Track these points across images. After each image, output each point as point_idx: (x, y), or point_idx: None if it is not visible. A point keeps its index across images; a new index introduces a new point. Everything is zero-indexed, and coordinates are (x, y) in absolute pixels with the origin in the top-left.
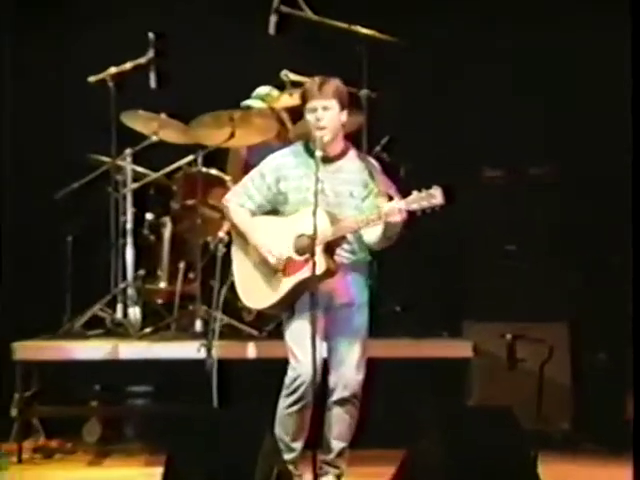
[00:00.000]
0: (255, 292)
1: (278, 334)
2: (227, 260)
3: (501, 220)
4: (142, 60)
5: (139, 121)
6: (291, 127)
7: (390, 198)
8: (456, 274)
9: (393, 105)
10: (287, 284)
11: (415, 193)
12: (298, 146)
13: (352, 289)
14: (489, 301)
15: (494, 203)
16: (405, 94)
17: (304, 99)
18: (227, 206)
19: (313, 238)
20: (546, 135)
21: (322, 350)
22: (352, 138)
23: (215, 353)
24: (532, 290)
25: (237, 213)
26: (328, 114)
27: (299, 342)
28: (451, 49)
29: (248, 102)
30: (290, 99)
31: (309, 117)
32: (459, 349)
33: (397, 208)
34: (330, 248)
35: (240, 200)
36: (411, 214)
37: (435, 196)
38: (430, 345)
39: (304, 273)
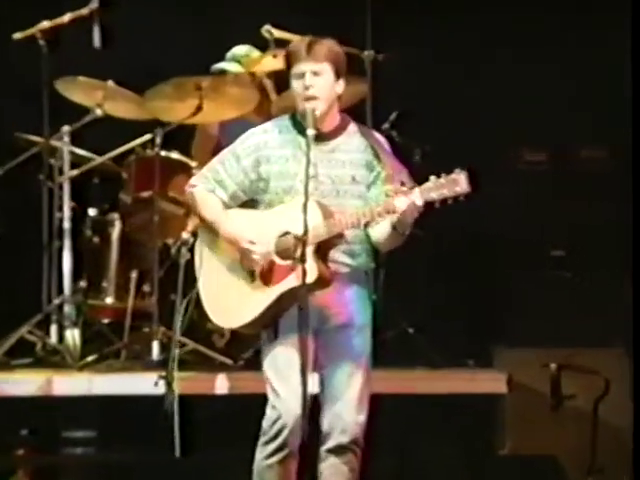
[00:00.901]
0: (227, 307)
1: (257, 364)
2: (192, 268)
3: (544, 217)
4: (83, 11)
5: (79, 90)
6: (275, 98)
7: (401, 185)
8: (485, 286)
9: (405, 71)
10: (268, 296)
11: (433, 179)
12: (284, 120)
13: (351, 305)
14: (527, 321)
15: (535, 195)
16: (420, 56)
17: (289, 62)
18: (191, 192)
19: (302, 237)
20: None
21: (312, 384)
22: (352, 113)
23: (177, 387)
24: (583, 307)
25: (204, 200)
26: (319, 80)
27: (282, 373)
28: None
29: (221, 65)
30: (274, 62)
31: (295, 85)
32: (489, 382)
33: (410, 197)
34: (323, 250)
35: (208, 185)
36: (428, 205)
37: (459, 182)
38: (452, 377)
39: (290, 282)
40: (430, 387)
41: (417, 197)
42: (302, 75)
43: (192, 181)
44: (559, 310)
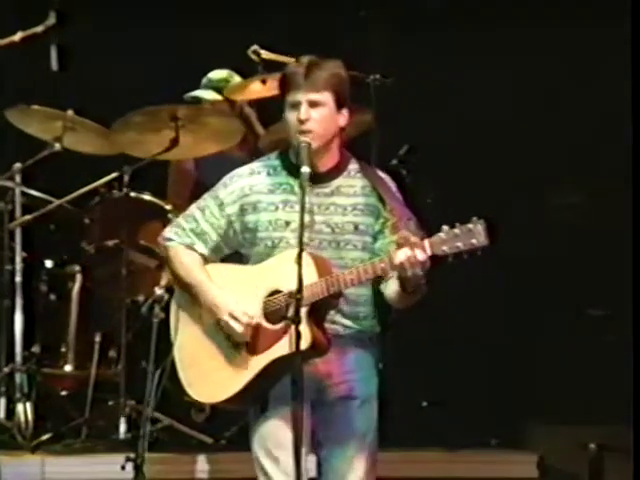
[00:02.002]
0: (206, 378)
1: (242, 443)
2: (167, 330)
3: (579, 270)
4: (38, 29)
5: (33, 120)
6: (263, 131)
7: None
8: (512, 352)
9: (417, 98)
10: (254, 366)
11: (446, 229)
12: (273, 159)
13: (354, 373)
14: (562, 393)
15: (569, 244)
16: (435, 81)
17: (283, 89)
18: (165, 246)
19: (296, 296)
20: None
21: (309, 466)
22: (355, 147)
23: (148, 471)
24: (628, 375)
25: (181, 258)
26: (318, 112)
27: (273, 453)
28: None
29: (195, 93)
30: (262, 88)
31: (289, 116)
32: (517, 466)
33: (418, 251)
34: (319, 312)
35: (185, 239)
36: (439, 259)
37: (475, 234)
38: (472, 459)
39: (279, 350)
40: (447, 471)
41: (426, 250)
42: (297, 105)
43: (166, 233)
44: (599, 380)
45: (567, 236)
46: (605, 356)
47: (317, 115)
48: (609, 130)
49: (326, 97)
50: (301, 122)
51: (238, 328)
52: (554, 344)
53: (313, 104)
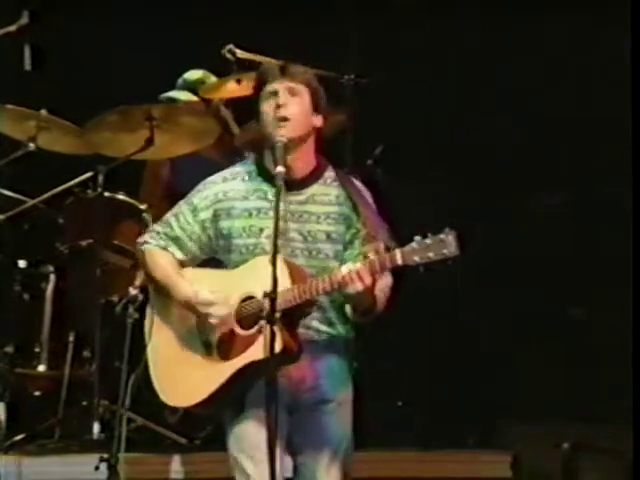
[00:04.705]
0: (179, 383)
1: (216, 443)
2: (141, 330)
3: (558, 269)
4: (11, 28)
5: (7, 120)
6: (238, 130)
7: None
8: (486, 351)
9: (392, 98)
10: (225, 371)
11: (418, 239)
12: (248, 165)
13: (328, 377)
14: (536, 392)
15: (550, 243)
16: (411, 81)
17: (260, 84)
18: (141, 250)
19: (270, 295)
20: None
21: (285, 468)
22: (329, 148)
23: (122, 471)
24: (606, 375)
25: (155, 258)
26: (295, 102)
27: (249, 452)
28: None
29: (170, 94)
30: (238, 88)
31: (265, 107)
32: (491, 465)
33: (381, 262)
34: (291, 319)
35: (160, 242)
36: (411, 268)
37: (447, 244)
38: (446, 459)
39: (251, 355)
40: (421, 471)
41: (396, 261)
42: (275, 93)
43: (141, 238)
44: (573, 379)
45: (549, 236)
46: (579, 356)
47: (295, 104)
48: (609, 130)
49: (303, 90)
50: (278, 107)
51: (213, 316)
52: (528, 344)
53: (291, 92)
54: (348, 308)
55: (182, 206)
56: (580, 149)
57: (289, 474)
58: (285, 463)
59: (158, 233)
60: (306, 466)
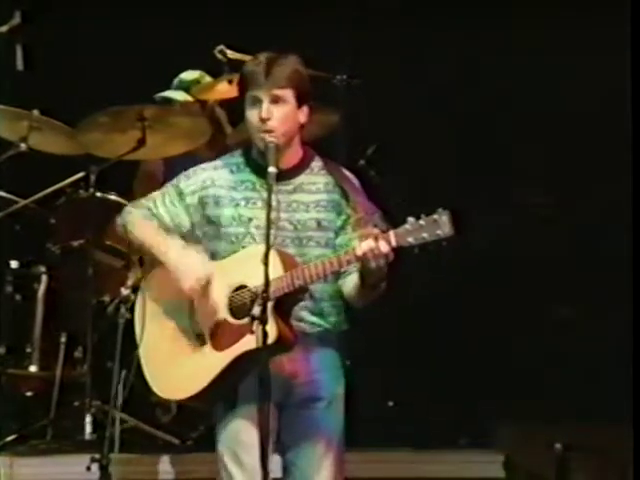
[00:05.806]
0: (172, 375)
1: (208, 444)
2: (133, 330)
3: (547, 266)
4: (2, 28)
5: None
6: (231, 131)
7: (374, 228)
8: (478, 349)
9: (384, 98)
10: (220, 362)
11: (412, 221)
12: (236, 156)
13: (320, 373)
14: (529, 392)
15: (539, 239)
16: (404, 81)
17: (243, 87)
18: (123, 218)
19: (262, 292)
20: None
21: (274, 467)
22: (321, 147)
23: (114, 471)
24: (597, 374)
25: (141, 222)
26: (279, 110)
27: (238, 453)
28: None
29: (166, 94)
30: (229, 88)
31: (249, 114)
32: (484, 465)
33: (382, 242)
34: (284, 307)
35: (144, 210)
36: (406, 250)
37: (440, 224)
38: (439, 459)
39: (245, 345)
40: (413, 471)
41: (391, 242)
42: (258, 101)
43: (124, 209)
44: (566, 380)
45: (547, 236)
46: (573, 356)
47: (279, 113)
48: (608, 129)
49: (287, 94)
50: (263, 121)
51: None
52: (521, 344)
53: (274, 100)
54: (351, 289)
55: (169, 187)
56: (580, 149)
57: (277, 474)
58: (273, 464)
59: (142, 204)
60: (296, 463)
